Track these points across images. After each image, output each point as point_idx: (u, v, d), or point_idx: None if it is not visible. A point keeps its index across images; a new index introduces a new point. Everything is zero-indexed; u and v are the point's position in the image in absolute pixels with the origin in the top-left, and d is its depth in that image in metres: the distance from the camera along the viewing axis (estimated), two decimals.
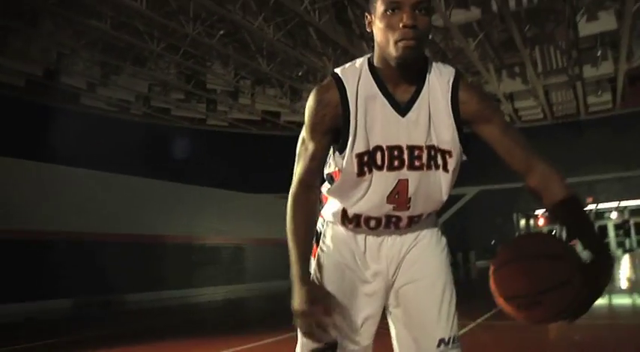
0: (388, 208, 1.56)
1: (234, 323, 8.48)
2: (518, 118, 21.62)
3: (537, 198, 1.58)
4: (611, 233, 24.00)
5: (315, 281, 1.63)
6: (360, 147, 1.51)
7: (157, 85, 19.00)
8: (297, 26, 13.92)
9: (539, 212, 23.47)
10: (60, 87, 16.87)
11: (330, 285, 1.61)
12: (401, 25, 1.41)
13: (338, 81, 1.54)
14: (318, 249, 1.69)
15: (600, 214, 23.77)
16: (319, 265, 1.66)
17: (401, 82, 1.53)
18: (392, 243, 1.64)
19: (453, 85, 1.53)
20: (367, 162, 1.52)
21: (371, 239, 1.64)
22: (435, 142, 1.52)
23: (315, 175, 1.60)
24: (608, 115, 20.68)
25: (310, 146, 1.58)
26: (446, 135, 1.52)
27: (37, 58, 15.22)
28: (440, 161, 1.53)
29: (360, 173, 1.53)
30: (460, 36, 13.57)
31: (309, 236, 1.63)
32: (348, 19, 13.79)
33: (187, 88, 18.45)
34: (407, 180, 1.52)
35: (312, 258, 1.66)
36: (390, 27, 1.44)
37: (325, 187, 1.67)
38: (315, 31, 14.17)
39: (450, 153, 1.53)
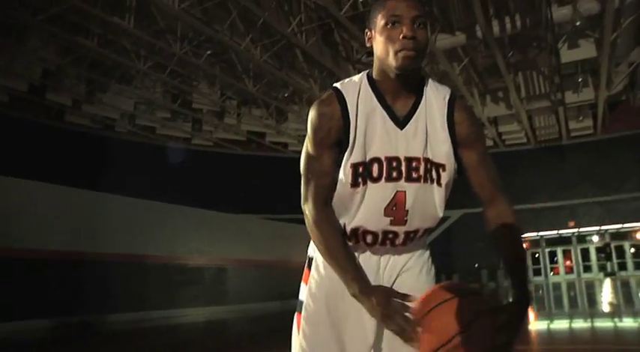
0: (385, 222, 1.53)
1: (217, 345, 8.34)
2: (502, 142, 21.89)
3: (487, 228, 1.64)
4: (593, 256, 24.19)
5: (307, 310, 1.59)
6: (356, 158, 1.52)
7: (142, 104, 18.94)
8: (284, 48, 14.02)
9: (523, 236, 23.63)
10: (45, 103, 16.76)
11: (320, 318, 1.57)
12: (401, 37, 1.47)
13: (338, 94, 1.57)
14: (310, 276, 1.64)
15: (582, 238, 23.98)
16: (311, 294, 1.61)
17: (399, 95, 1.57)
18: (385, 264, 1.60)
19: (449, 103, 1.58)
20: (362, 173, 1.52)
21: (364, 262, 1.58)
22: (430, 155, 1.54)
23: (330, 191, 1.56)
24: (589, 140, 21.04)
25: (320, 162, 1.56)
26: (441, 148, 1.55)
27: (23, 73, 15.13)
28: (434, 175, 1.55)
29: (354, 184, 1.53)
30: (445, 60, 13.77)
31: (347, 248, 1.55)
32: (335, 41, 13.93)
33: (173, 106, 18.42)
34: (404, 192, 1.52)
35: (303, 284, 1.63)
36: (390, 39, 1.49)
37: None
38: (302, 53, 14.28)
39: (443, 166, 1.55)
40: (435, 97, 1.59)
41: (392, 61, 1.50)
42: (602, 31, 12.34)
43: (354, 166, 1.52)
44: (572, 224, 21.30)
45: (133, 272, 12.79)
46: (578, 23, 12.29)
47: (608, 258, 23.79)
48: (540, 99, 17.09)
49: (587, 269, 24.12)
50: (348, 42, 14.03)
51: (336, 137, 1.54)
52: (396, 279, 1.60)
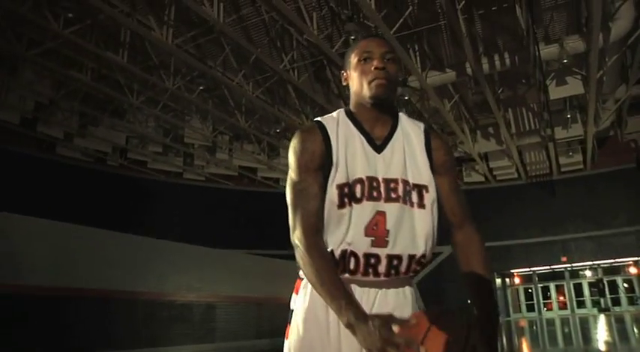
0: (367, 243, 1.53)
1: None
2: (493, 178, 21.99)
3: (455, 250, 1.69)
4: (586, 291, 24.04)
5: None
6: (340, 179, 1.57)
7: (134, 137, 18.95)
8: (276, 84, 14.16)
9: (515, 271, 23.49)
10: (36, 136, 16.72)
11: None
12: (372, 68, 1.62)
13: (319, 123, 1.67)
14: (290, 333, 1.60)
15: (575, 273, 23.88)
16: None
17: (376, 123, 1.67)
18: (372, 304, 1.56)
19: (425, 132, 1.69)
20: (347, 193, 1.56)
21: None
22: (409, 177, 1.60)
23: (318, 219, 1.56)
24: (579, 175, 21.18)
25: (306, 186, 1.59)
26: (422, 170, 1.63)
27: (15, 106, 15.14)
28: (416, 198, 1.59)
29: (341, 204, 1.56)
30: (436, 97, 13.93)
31: (338, 275, 1.51)
32: (326, 77, 14.10)
33: (165, 141, 18.43)
34: (384, 212, 1.55)
35: (285, 340, 1.60)
36: (363, 72, 1.64)
37: None
38: (294, 89, 14.42)
39: (426, 188, 1.61)
40: (411, 127, 1.70)
41: (366, 91, 1.62)
42: (588, 68, 12.57)
43: (339, 187, 1.57)
44: (564, 259, 21.22)
45: (120, 309, 12.52)
46: (565, 61, 12.53)
47: (602, 293, 23.65)
48: (530, 135, 17.28)
49: (581, 304, 23.93)
50: (339, 78, 14.16)
51: (320, 161, 1.60)
52: None
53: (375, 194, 1.56)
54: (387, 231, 1.55)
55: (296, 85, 13.39)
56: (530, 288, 24.30)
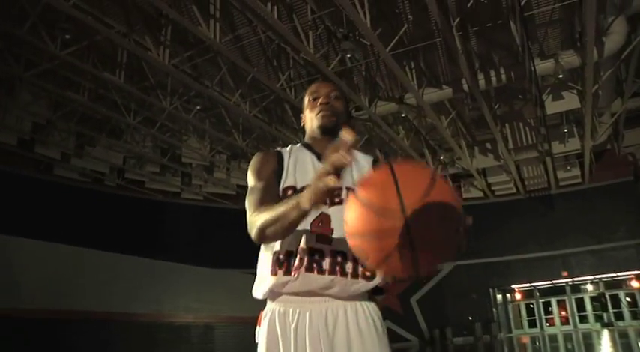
0: (312, 239, 1.65)
1: None
2: (491, 193, 21.97)
3: None
4: (588, 306, 23.83)
5: None
6: (288, 182, 1.78)
7: (132, 157, 18.93)
8: (273, 102, 14.20)
9: (516, 286, 23.34)
10: (34, 156, 16.69)
11: None
12: (318, 103, 1.89)
13: (275, 149, 1.93)
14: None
15: (576, 287, 23.70)
16: None
17: (326, 148, 1.70)
18: (324, 322, 1.61)
19: (374, 160, 1.91)
20: (292, 195, 1.70)
21: (294, 319, 1.62)
22: (352, 185, 1.71)
23: (268, 202, 1.70)
24: (578, 189, 21.15)
25: (259, 184, 1.80)
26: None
27: (13, 127, 15.13)
28: None
29: None
30: (433, 114, 13.96)
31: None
32: None
33: (162, 161, 18.41)
34: (329, 215, 1.69)
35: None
36: (312, 108, 1.91)
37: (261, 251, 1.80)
38: (291, 108, 14.44)
39: None
40: (361, 154, 1.91)
41: (315, 122, 1.88)
42: (584, 83, 12.63)
43: (286, 190, 1.76)
44: (565, 274, 21.09)
45: (118, 331, 12.38)
46: (560, 76, 12.58)
47: (604, 307, 23.44)
48: (528, 149, 17.30)
49: (583, 319, 23.71)
50: None
51: (273, 168, 1.83)
52: (333, 339, 1.60)
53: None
54: (332, 229, 1.67)
55: (293, 103, 13.41)
56: (532, 304, 24.11)
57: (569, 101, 14.47)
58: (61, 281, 11.40)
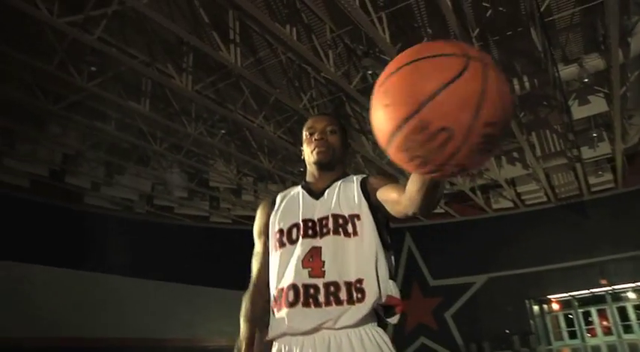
0: (305, 275, 1.70)
1: None
2: (522, 202, 21.56)
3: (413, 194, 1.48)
4: (632, 315, 22.98)
5: None
6: (277, 227, 1.89)
7: (160, 184, 19.17)
8: (297, 123, 14.24)
9: (553, 297, 22.74)
10: (65, 187, 17.03)
11: None
12: (314, 139, 1.96)
13: (273, 196, 2.08)
14: None
15: (617, 295, 22.90)
16: None
17: (320, 181, 1.98)
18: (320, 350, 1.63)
19: (364, 177, 1.92)
20: (285, 236, 1.84)
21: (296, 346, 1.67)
22: (343, 211, 1.79)
23: (261, 275, 1.98)
24: (611, 194, 20.61)
25: (256, 248, 2.02)
26: (355, 203, 1.80)
27: (44, 159, 15.51)
28: (351, 228, 1.76)
29: (280, 245, 1.84)
30: None
31: (250, 323, 1.96)
32: (346, 114, 14.14)
33: (190, 186, 18.60)
34: (320, 247, 1.74)
35: None
36: (309, 143, 1.99)
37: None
38: None
39: (358, 216, 1.77)
40: (354, 176, 1.96)
41: (311, 158, 1.97)
42: (611, 86, 12.39)
43: (278, 232, 1.87)
44: (603, 281, 20.45)
45: None
46: (586, 80, 12.37)
47: None
48: (556, 156, 16.98)
49: (628, 329, 22.85)
50: (359, 114, 14.23)
51: (265, 222, 2.00)
52: None
53: (310, 232, 1.79)
54: (323, 261, 1.71)
55: None
56: (571, 314, 23.41)
57: (597, 105, 14.22)
58: (90, 308, 11.53)
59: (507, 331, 20.55)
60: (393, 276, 1.76)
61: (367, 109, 13.31)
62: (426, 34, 11.01)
